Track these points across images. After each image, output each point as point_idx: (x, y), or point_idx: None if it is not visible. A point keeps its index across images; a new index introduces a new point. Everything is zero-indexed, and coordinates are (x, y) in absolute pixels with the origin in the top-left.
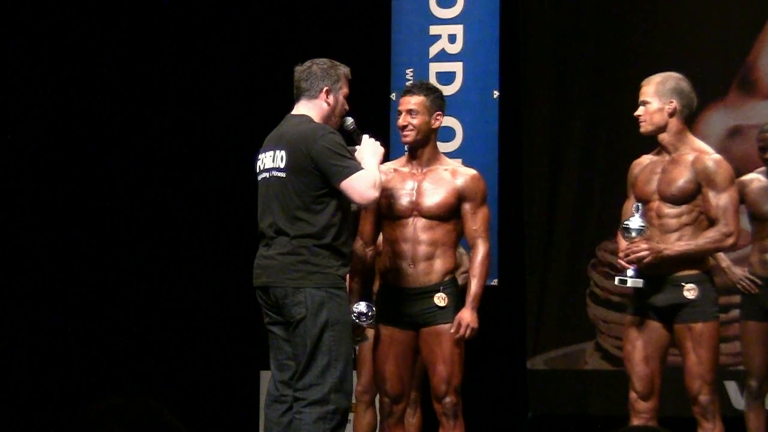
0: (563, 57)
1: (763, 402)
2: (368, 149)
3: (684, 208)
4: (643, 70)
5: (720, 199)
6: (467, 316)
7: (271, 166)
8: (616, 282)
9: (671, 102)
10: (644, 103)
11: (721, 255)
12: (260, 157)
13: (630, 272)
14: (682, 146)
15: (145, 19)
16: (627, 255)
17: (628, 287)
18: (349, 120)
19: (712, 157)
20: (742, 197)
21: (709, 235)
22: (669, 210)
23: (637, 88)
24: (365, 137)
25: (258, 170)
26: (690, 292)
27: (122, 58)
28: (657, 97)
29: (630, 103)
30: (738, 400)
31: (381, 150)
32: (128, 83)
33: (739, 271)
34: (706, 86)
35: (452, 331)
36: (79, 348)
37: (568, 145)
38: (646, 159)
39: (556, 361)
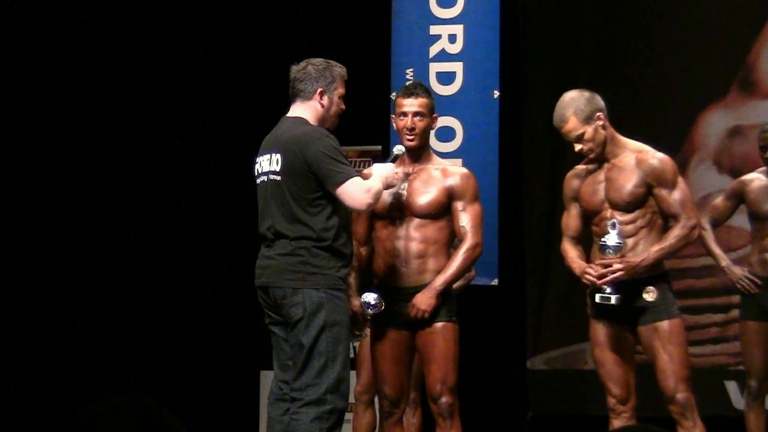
0: (563, 57)
1: (763, 402)
2: (383, 169)
3: (637, 213)
4: (643, 69)
5: (675, 195)
6: (420, 299)
7: (268, 170)
8: (598, 300)
9: (598, 116)
10: (579, 138)
11: (721, 254)
12: (258, 160)
13: (609, 290)
14: (620, 150)
15: (145, 19)
16: (602, 276)
17: (613, 304)
18: (398, 151)
19: (656, 156)
20: (743, 197)
21: (677, 233)
22: (622, 217)
23: (637, 88)
24: (390, 164)
25: (256, 173)
26: (648, 294)
27: (122, 58)
28: (585, 123)
29: (630, 102)
30: (738, 400)
31: (393, 178)
32: (128, 84)
33: (738, 271)
34: (706, 86)
35: (409, 308)
36: (79, 348)
37: (568, 145)
38: (580, 170)
39: (556, 361)
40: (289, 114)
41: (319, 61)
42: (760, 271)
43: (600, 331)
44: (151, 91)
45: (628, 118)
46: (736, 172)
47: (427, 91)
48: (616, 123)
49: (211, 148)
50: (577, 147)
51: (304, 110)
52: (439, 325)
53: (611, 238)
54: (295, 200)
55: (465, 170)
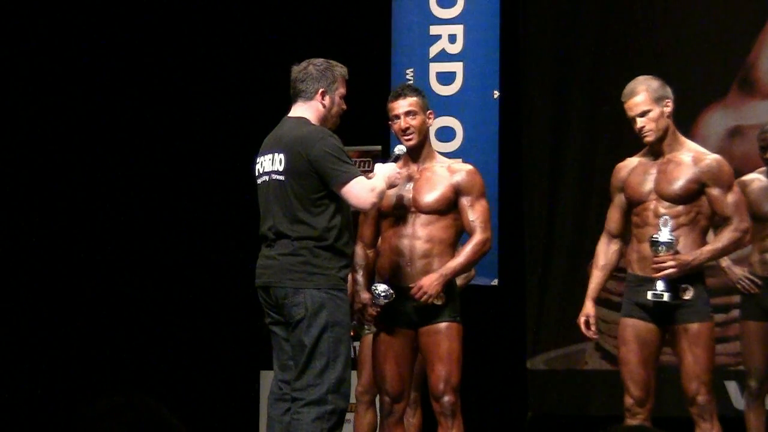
0: (563, 57)
1: (763, 402)
2: (385, 170)
3: (682, 208)
4: (643, 70)
5: (729, 197)
6: (427, 280)
7: (270, 170)
8: (650, 298)
9: (667, 102)
10: (643, 113)
11: None
12: (259, 160)
13: (661, 286)
14: (678, 146)
15: (145, 19)
16: (657, 271)
17: (665, 301)
18: (399, 151)
19: (712, 157)
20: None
21: (730, 236)
22: (667, 210)
23: None
24: (392, 164)
25: (257, 173)
26: (685, 292)
27: (122, 58)
28: (654, 103)
29: None
30: (738, 400)
31: (395, 178)
32: (128, 84)
33: (738, 271)
34: (706, 86)
35: (413, 290)
36: (79, 348)
37: (568, 145)
38: (633, 161)
39: (556, 361)
40: (291, 114)
41: (320, 61)
42: (760, 271)
43: (629, 330)
44: (151, 92)
45: (627, 119)
46: (736, 173)
47: (415, 90)
48: (616, 123)
49: (211, 148)
50: (639, 123)
51: (306, 110)
52: (443, 325)
53: (663, 235)
54: (298, 200)
55: (470, 167)
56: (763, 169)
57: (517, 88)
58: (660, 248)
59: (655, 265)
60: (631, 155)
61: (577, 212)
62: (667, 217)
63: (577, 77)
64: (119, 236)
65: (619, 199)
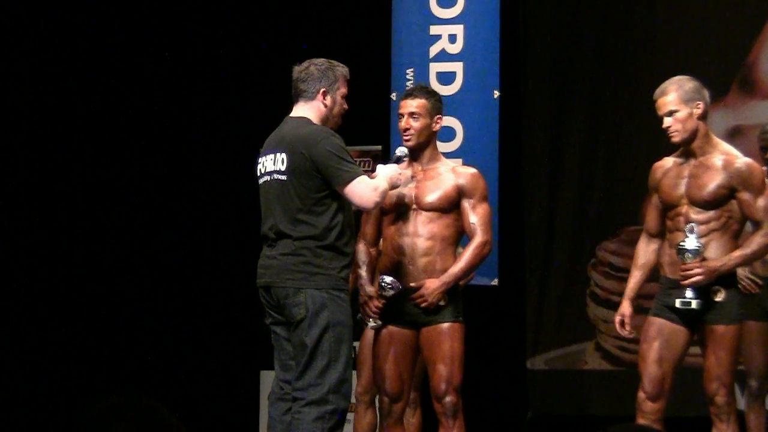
0: (563, 57)
1: (764, 402)
2: (387, 170)
3: (713, 213)
4: (643, 69)
5: (760, 201)
6: (428, 288)
7: (272, 169)
8: (678, 305)
9: (698, 104)
10: (671, 113)
11: None
12: (260, 160)
13: (689, 293)
14: (710, 149)
15: (145, 18)
16: (684, 278)
17: (694, 308)
18: (400, 152)
19: (743, 160)
20: None
21: (760, 241)
22: (697, 216)
23: (636, 88)
24: (394, 165)
25: (258, 173)
26: (717, 295)
27: (122, 58)
28: (683, 103)
29: (630, 102)
30: (738, 399)
31: (397, 179)
32: (129, 84)
33: (739, 271)
34: (706, 86)
35: (415, 294)
36: (79, 348)
37: (568, 145)
38: (668, 161)
39: (556, 361)
40: (292, 114)
41: (321, 61)
42: (760, 271)
43: (654, 327)
44: (151, 91)
45: (628, 118)
46: None
47: (428, 92)
48: (616, 123)
49: (212, 148)
50: (666, 122)
51: (308, 110)
52: (445, 325)
53: (690, 242)
54: (300, 200)
55: (474, 170)
56: (764, 169)
57: (517, 88)
58: (687, 256)
59: (682, 273)
60: (630, 155)
61: (577, 212)
62: (693, 224)
63: (577, 77)
64: (119, 236)
65: (656, 199)
